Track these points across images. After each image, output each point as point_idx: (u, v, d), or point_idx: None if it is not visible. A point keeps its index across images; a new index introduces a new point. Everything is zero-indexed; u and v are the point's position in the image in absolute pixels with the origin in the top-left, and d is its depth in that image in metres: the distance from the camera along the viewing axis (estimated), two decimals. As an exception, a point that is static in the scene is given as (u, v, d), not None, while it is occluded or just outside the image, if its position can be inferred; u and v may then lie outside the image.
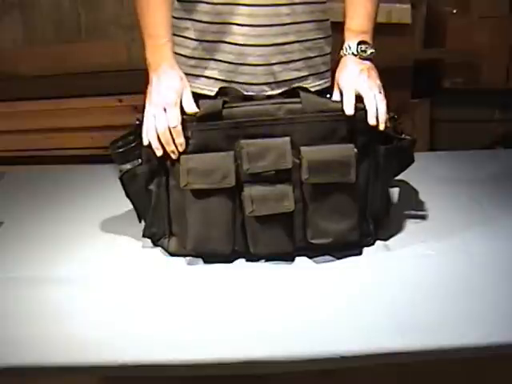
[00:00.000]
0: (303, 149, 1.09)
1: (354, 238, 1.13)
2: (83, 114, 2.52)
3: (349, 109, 1.10)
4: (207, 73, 1.31)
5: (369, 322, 0.96)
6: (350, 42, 1.19)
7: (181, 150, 1.10)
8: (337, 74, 1.19)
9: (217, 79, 1.30)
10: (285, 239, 1.12)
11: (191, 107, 1.13)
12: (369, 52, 1.17)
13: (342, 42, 1.21)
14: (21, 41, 2.70)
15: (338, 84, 1.18)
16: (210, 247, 1.12)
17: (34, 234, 1.25)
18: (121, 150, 1.16)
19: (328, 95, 1.19)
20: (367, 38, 1.19)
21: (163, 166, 1.14)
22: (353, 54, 1.18)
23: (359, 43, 1.18)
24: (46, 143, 2.55)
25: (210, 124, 1.10)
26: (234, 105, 1.12)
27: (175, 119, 1.10)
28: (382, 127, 1.11)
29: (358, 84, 1.13)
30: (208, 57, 1.29)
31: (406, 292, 1.04)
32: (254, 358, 0.91)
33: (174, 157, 1.11)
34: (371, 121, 1.10)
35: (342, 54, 1.20)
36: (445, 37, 2.53)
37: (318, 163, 1.08)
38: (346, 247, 1.14)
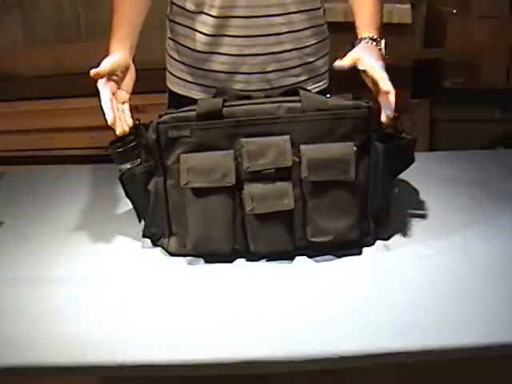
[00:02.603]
0: (303, 147, 1.09)
1: (354, 236, 1.13)
2: (83, 114, 2.52)
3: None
4: (201, 81, 1.31)
5: (369, 322, 0.96)
6: (365, 35, 1.18)
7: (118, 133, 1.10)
8: (358, 49, 1.16)
9: (211, 87, 1.30)
10: (285, 237, 1.12)
11: (102, 65, 1.11)
12: (383, 48, 1.17)
13: (354, 39, 1.20)
14: (21, 41, 2.70)
15: (356, 55, 1.14)
16: (210, 246, 1.12)
17: (34, 233, 1.25)
18: (120, 150, 1.16)
19: (328, 95, 1.19)
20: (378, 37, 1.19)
21: (161, 165, 1.14)
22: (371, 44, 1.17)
23: (373, 39, 1.17)
24: (46, 143, 2.55)
25: (210, 123, 1.10)
26: (234, 103, 1.12)
27: (103, 108, 1.09)
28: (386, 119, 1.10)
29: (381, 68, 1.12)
30: (202, 66, 1.30)
31: (406, 292, 1.04)
32: (253, 358, 0.91)
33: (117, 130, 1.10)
34: (392, 98, 1.08)
35: (359, 42, 1.18)
36: (445, 37, 2.53)
37: (317, 161, 1.08)
38: (346, 246, 1.14)
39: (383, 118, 1.09)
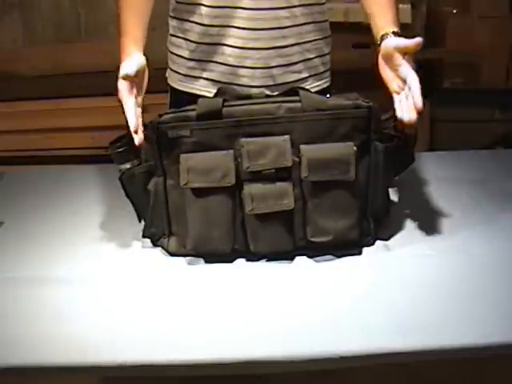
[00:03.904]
0: (303, 147, 1.09)
1: (354, 236, 1.13)
2: (83, 113, 2.52)
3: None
4: (206, 75, 1.31)
5: (369, 322, 0.96)
6: (388, 31, 1.15)
7: (137, 142, 1.09)
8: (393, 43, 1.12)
9: (215, 81, 1.30)
10: (285, 237, 1.12)
11: (123, 69, 1.10)
12: None
13: (376, 37, 1.18)
14: (21, 41, 2.70)
15: (395, 52, 1.11)
16: (210, 246, 1.12)
17: (33, 233, 1.25)
18: (120, 150, 1.15)
19: (328, 95, 1.19)
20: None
21: (161, 165, 1.14)
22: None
23: (397, 35, 1.15)
24: (46, 143, 2.56)
25: (210, 122, 1.10)
26: (234, 103, 1.12)
27: (127, 114, 1.09)
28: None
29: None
30: (207, 59, 1.29)
31: (407, 292, 1.04)
32: (253, 358, 0.91)
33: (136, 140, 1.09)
34: (419, 102, 1.05)
35: (385, 38, 1.15)
36: (445, 37, 2.54)
37: (317, 161, 1.08)
38: (346, 246, 1.14)
39: (406, 119, 1.06)
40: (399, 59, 1.10)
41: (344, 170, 1.09)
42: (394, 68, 1.12)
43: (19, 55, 2.65)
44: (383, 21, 1.18)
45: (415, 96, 1.05)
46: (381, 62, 1.15)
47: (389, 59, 1.13)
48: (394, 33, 1.14)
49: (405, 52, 1.10)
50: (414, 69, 1.09)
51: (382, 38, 1.15)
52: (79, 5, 2.65)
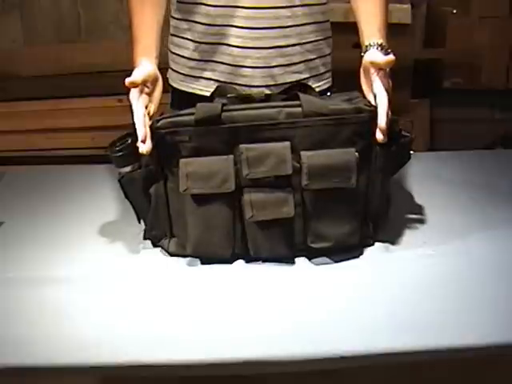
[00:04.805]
0: (303, 153, 1.07)
1: (355, 241, 1.13)
2: (83, 114, 2.52)
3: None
4: (206, 74, 1.31)
5: (368, 323, 0.96)
6: (372, 42, 1.16)
7: (144, 151, 1.06)
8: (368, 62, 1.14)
9: (216, 81, 1.30)
10: (285, 243, 1.11)
11: (135, 74, 1.10)
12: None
13: (361, 45, 1.19)
14: (21, 41, 2.70)
15: (371, 66, 1.12)
16: (210, 252, 1.12)
17: (34, 233, 1.25)
18: (119, 154, 1.12)
19: (328, 93, 1.19)
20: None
21: (161, 170, 1.12)
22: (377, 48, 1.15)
23: (381, 46, 1.15)
24: (46, 143, 2.56)
25: (209, 128, 1.08)
26: (233, 108, 1.10)
27: (136, 123, 1.07)
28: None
29: (387, 81, 1.12)
30: (207, 58, 1.29)
31: (406, 292, 1.04)
32: (253, 358, 0.91)
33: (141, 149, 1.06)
34: (383, 123, 1.07)
35: (367, 49, 1.16)
36: (445, 37, 2.54)
37: (318, 168, 1.07)
38: (346, 249, 1.13)
39: (378, 137, 1.09)
40: (374, 75, 1.12)
41: (346, 177, 1.07)
42: (369, 82, 1.14)
43: (19, 55, 2.65)
44: (370, 29, 1.19)
45: (380, 116, 1.07)
46: (361, 73, 1.17)
47: (366, 72, 1.15)
48: (378, 44, 1.15)
49: (379, 68, 1.11)
50: (386, 86, 1.11)
51: (366, 48, 1.16)
52: (79, 4, 2.65)
